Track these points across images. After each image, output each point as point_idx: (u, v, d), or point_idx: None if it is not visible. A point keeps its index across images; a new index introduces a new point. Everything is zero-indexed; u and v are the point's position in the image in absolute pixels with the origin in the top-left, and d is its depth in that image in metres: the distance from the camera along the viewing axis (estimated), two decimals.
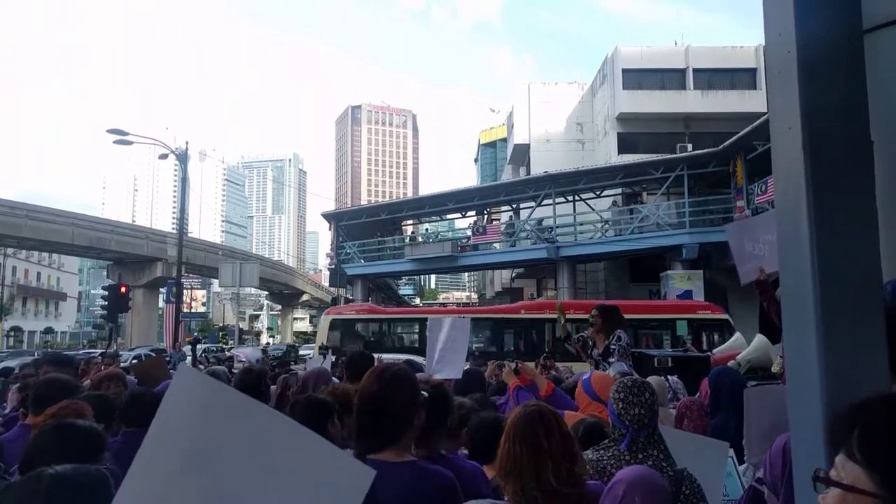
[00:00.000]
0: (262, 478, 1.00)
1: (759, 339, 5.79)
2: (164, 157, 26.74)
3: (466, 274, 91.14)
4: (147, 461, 1.02)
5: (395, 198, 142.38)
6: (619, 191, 30.21)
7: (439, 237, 35.08)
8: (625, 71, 32.00)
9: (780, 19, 1.18)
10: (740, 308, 21.58)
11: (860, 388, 1.01)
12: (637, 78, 32.13)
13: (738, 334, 7.53)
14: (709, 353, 7.51)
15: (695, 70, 31.73)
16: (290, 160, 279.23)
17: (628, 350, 5.07)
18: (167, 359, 17.25)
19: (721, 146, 24.05)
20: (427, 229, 37.33)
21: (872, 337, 1.05)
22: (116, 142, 23.03)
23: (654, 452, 2.22)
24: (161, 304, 47.03)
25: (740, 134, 22.29)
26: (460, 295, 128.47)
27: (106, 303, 19.27)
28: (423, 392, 2.11)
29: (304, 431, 1.05)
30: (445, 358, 4.34)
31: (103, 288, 21.44)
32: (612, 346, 5.14)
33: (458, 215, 36.28)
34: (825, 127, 1.10)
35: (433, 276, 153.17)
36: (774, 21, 1.20)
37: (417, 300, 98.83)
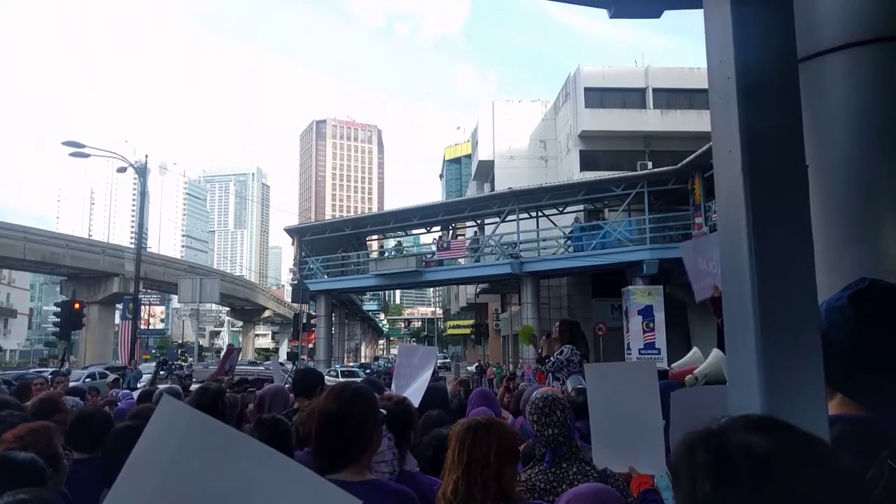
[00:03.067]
0: None
1: (716, 353, 5.90)
2: (122, 170, 26.20)
3: (431, 289, 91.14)
4: (123, 496, 0.99)
5: (359, 213, 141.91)
6: (581, 207, 30.65)
7: (404, 252, 35.00)
8: (587, 89, 32.61)
9: (720, 46, 1.23)
10: (699, 323, 22.03)
11: (797, 398, 1.05)
12: (599, 96, 32.77)
13: (695, 349, 7.65)
14: (667, 368, 7.63)
15: (654, 90, 32.51)
16: (253, 174, 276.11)
17: (567, 364, 5.13)
18: (122, 377, 16.73)
19: (680, 164, 24.61)
20: (400, 242, 37.24)
21: (809, 350, 1.09)
22: (73, 154, 22.46)
23: (575, 463, 2.30)
24: (117, 320, 45.74)
25: (698, 153, 22.87)
26: (425, 310, 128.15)
27: (59, 320, 18.65)
28: (382, 410, 2.11)
29: (290, 464, 1.02)
30: (408, 385, 4.34)
31: (56, 304, 20.76)
32: (552, 358, 5.22)
33: (423, 231, 36.29)
34: (763, 151, 1.15)
35: (398, 292, 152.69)
36: (715, 48, 1.25)
37: (382, 315, 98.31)
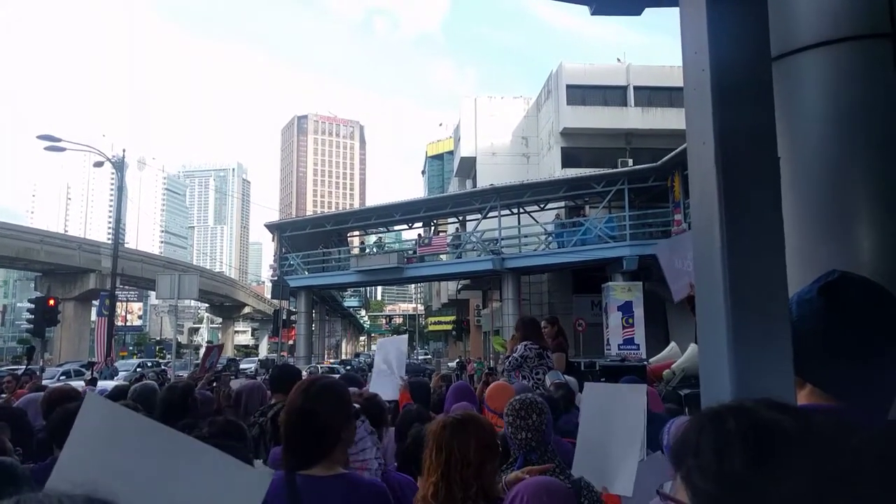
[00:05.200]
0: (163, 496, 1.04)
1: (692, 348, 5.99)
2: (99, 164, 25.82)
3: (413, 286, 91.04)
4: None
5: (341, 209, 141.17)
6: (562, 204, 30.80)
7: (386, 248, 34.95)
8: (569, 87, 32.74)
9: (695, 39, 1.23)
10: (678, 319, 22.27)
11: (767, 388, 1.05)
12: (580, 94, 32.92)
13: (672, 344, 7.77)
14: (645, 363, 7.73)
15: (635, 87, 32.72)
16: (233, 170, 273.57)
17: (524, 361, 5.19)
18: (92, 372, 16.51)
19: (660, 161, 24.83)
20: (381, 238, 37.15)
21: (779, 341, 1.10)
22: (48, 148, 22.06)
23: (548, 468, 2.26)
24: (94, 317, 45.10)
25: (678, 150, 23.07)
26: (407, 307, 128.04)
27: (32, 316, 18.33)
28: (354, 405, 2.10)
29: (202, 447, 1.09)
30: (382, 378, 4.33)
31: (30, 301, 20.40)
32: (510, 357, 5.29)
33: (405, 227, 36.23)
34: (735, 144, 1.16)
35: (379, 288, 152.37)
36: (690, 40, 1.25)
37: (363, 312, 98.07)
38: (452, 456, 1.90)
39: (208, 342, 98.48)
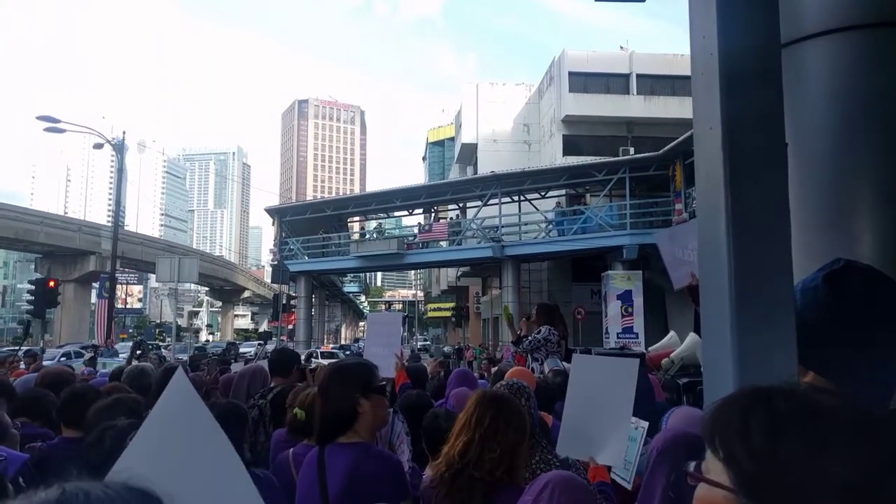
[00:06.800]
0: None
1: (692, 337, 5.99)
2: (99, 146, 25.68)
3: (412, 272, 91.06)
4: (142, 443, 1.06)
5: (341, 194, 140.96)
6: (563, 192, 30.74)
7: (386, 234, 34.93)
8: (571, 74, 32.55)
9: (704, 22, 1.22)
10: (677, 308, 22.31)
11: (770, 376, 1.05)
12: (582, 81, 32.73)
13: (672, 333, 7.77)
14: (644, 352, 7.76)
15: (638, 75, 32.53)
16: (233, 153, 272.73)
17: (545, 343, 5.20)
18: (98, 356, 16.53)
19: (661, 150, 24.74)
20: (381, 223, 37.12)
21: (783, 328, 1.09)
22: (47, 129, 21.95)
23: (537, 451, 2.34)
24: (94, 299, 45.16)
25: (680, 139, 22.98)
26: (406, 293, 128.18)
27: (32, 297, 18.35)
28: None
29: (242, 475, 1.06)
30: (377, 355, 4.28)
31: (30, 282, 20.40)
32: (530, 337, 5.28)
33: (406, 213, 36.20)
34: (743, 128, 1.15)
35: (379, 274, 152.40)
36: (699, 24, 1.24)
37: (363, 298, 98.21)
38: (497, 429, 1.98)
39: (208, 325, 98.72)
